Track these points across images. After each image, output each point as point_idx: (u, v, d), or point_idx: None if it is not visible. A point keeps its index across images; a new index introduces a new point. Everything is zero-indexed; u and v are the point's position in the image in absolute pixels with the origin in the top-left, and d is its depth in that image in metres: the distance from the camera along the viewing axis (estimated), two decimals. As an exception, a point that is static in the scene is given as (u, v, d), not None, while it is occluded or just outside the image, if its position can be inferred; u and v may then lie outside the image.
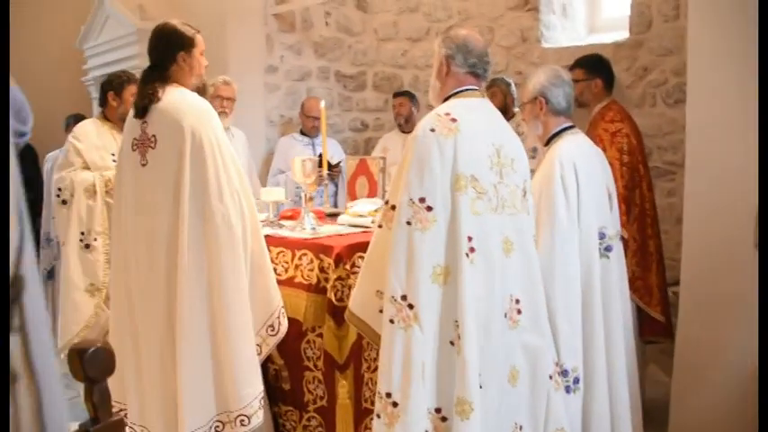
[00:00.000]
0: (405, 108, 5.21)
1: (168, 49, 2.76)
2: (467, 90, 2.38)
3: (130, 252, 2.74)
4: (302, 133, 5.22)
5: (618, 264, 2.85)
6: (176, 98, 2.70)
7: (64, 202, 3.66)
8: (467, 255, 2.14)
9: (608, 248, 2.76)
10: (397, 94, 5.40)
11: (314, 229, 3.22)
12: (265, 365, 3.13)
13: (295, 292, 2.95)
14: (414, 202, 2.17)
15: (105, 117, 3.88)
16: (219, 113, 4.22)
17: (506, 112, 4.91)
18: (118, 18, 5.51)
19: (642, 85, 4.83)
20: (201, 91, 2.91)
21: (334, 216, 3.83)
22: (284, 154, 5.00)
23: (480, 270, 2.17)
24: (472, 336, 2.10)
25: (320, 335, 2.86)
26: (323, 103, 3.96)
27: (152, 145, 2.69)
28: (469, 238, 2.16)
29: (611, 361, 2.69)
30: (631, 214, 3.51)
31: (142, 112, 2.70)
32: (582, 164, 2.68)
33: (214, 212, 2.59)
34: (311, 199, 3.59)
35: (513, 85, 4.94)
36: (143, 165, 2.71)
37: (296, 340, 3.00)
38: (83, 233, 3.60)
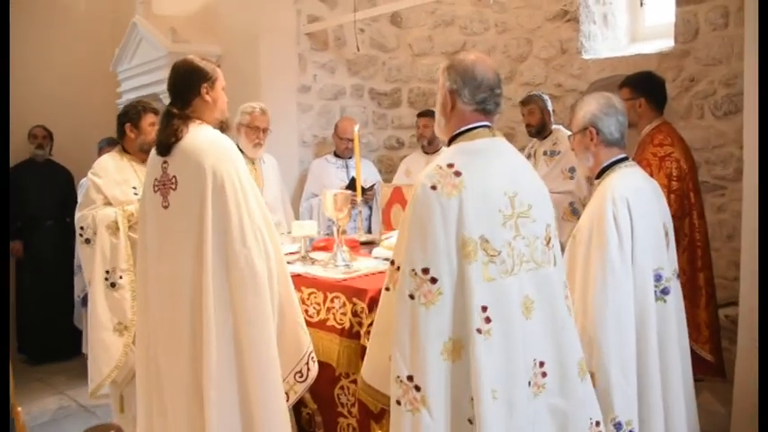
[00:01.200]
0: (428, 130, 4.99)
1: (191, 83, 2.67)
2: (474, 129, 2.14)
3: (153, 297, 2.67)
4: (336, 155, 5.11)
5: (676, 307, 2.64)
6: (197, 137, 2.60)
7: (87, 240, 3.57)
8: (479, 330, 1.93)
9: (665, 291, 2.56)
10: (421, 115, 5.18)
11: (347, 265, 3.11)
12: (299, 409, 3.04)
13: (328, 336, 2.84)
14: (416, 274, 1.96)
15: (124, 149, 3.79)
16: (254, 146, 4.21)
17: (544, 129, 4.75)
18: (150, 41, 5.47)
19: (688, 96, 4.65)
20: (224, 127, 2.80)
21: (368, 244, 3.72)
22: (318, 177, 4.91)
23: (497, 341, 1.96)
24: (490, 412, 1.91)
25: (354, 381, 2.74)
26: (357, 127, 3.84)
27: (173, 186, 2.60)
28: (484, 308, 1.95)
29: (668, 414, 2.50)
30: (680, 246, 3.25)
31: (165, 150, 2.62)
32: (636, 200, 2.49)
33: (238, 257, 2.50)
34: (344, 232, 3.48)
35: (548, 100, 4.76)
36: (165, 207, 2.62)
37: (330, 385, 2.89)
38: (107, 272, 3.51)
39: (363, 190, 4.16)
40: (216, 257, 2.50)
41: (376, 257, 3.32)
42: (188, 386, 2.56)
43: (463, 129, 2.14)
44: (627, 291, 2.42)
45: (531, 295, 2.05)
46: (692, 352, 3.15)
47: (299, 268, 3.13)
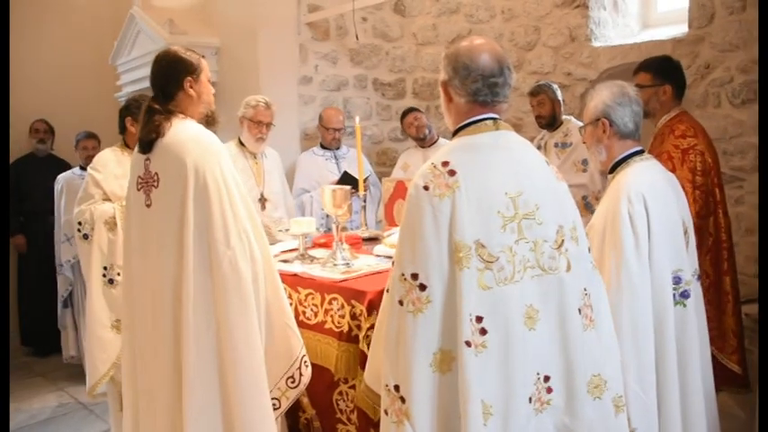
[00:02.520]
0: (412, 128, 4.87)
1: (173, 76, 2.54)
2: (477, 122, 1.97)
3: (137, 298, 2.57)
4: (323, 147, 4.95)
5: (696, 311, 2.47)
6: (180, 132, 2.48)
7: (85, 236, 3.53)
8: (467, 343, 1.78)
9: (684, 294, 2.40)
10: (404, 114, 5.03)
11: (347, 264, 2.97)
12: (296, 414, 2.92)
13: (325, 339, 2.71)
14: (406, 279, 1.83)
15: (126, 144, 3.72)
16: (257, 140, 4.09)
17: (555, 121, 4.59)
18: (148, 33, 5.35)
19: (704, 84, 4.48)
20: (210, 121, 2.67)
21: (372, 241, 3.58)
22: (306, 171, 4.76)
23: (494, 354, 1.82)
24: (477, 430, 1.77)
25: (353, 386, 2.61)
26: (357, 119, 3.70)
27: (155, 184, 2.49)
28: (478, 319, 1.81)
29: (687, 426, 2.35)
30: (704, 246, 3.04)
31: (147, 147, 2.51)
32: (653, 197, 2.33)
33: (221, 258, 2.37)
34: (344, 229, 3.35)
35: (558, 90, 4.59)
36: (147, 206, 2.51)
37: (328, 390, 2.76)
38: (105, 268, 3.46)
39: (354, 181, 4.01)
40: (198, 259, 2.39)
41: (378, 255, 3.18)
42: (171, 389, 2.45)
43: (465, 122, 1.99)
44: (644, 295, 2.27)
45: (535, 305, 1.89)
46: (717, 362, 2.95)
47: (297, 267, 2.99)
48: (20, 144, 5.76)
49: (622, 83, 2.49)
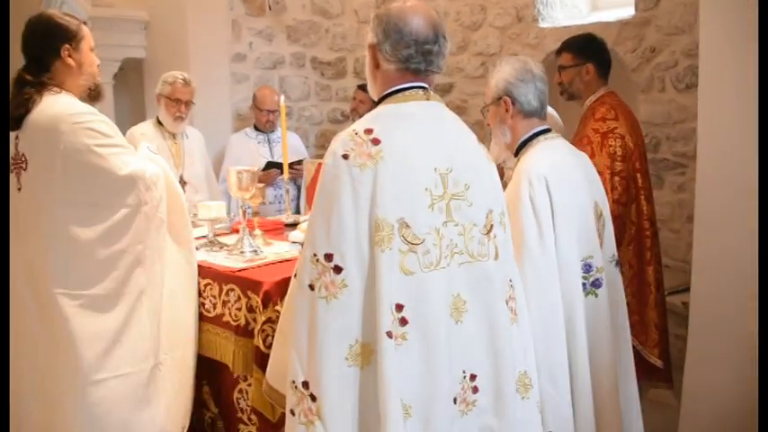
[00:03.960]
0: (364, 106, 4.59)
1: (49, 43, 2.31)
2: (404, 90, 1.77)
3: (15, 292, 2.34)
4: (256, 129, 4.68)
5: (611, 301, 2.29)
6: (51, 107, 2.25)
7: None
8: (389, 335, 1.60)
9: (596, 283, 2.22)
10: (361, 87, 4.78)
11: (254, 251, 2.75)
12: (201, 413, 2.71)
13: (223, 333, 2.51)
14: (318, 260, 1.62)
15: None
16: (175, 119, 3.83)
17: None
18: (70, 5, 5.00)
19: (649, 68, 4.36)
20: (95, 95, 2.44)
21: (294, 226, 3.37)
22: (236, 154, 4.48)
23: (415, 348, 1.63)
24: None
25: (251, 384, 2.41)
26: (282, 98, 3.47)
27: (23, 166, 2.26)
28: (399, 307, 1.61)
29: (600, 425, 2.18)
30: (626, 235, 2.91)
31: (15, 124, 2.27)
32: (557, 178, 2.15)
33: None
34: (256, 214, 3.13)
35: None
36: (18, 189, 2.29)
37: (229, 388, 2.57)
38: None
39: (290, 165, 3.79)
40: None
41: (293, 242, 2.97)
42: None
43: (391, 90, 1.78)
44: (551, 285, 2.08)
45: (463, 294, 1.72)
46: (639, 355, 2.84)
47: (200, 256, 2.76)
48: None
49: (525, 58, 2.31)
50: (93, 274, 2.25)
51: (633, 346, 2.52)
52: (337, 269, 1.60)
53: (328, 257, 1.61)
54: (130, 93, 5.33)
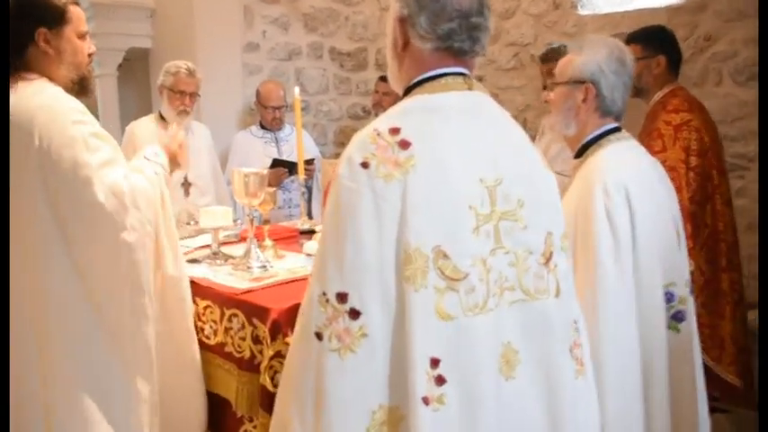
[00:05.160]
0: (388, 99, 4.27)
1: (23, 25, 1.95)
2: (439, 77, 1.39)
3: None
4: (262, 127, 4.31)
5: (692, 339, 1.90)
6: (25, 95, 1.90)
7: None
8: (425, 401, 1.22)
9: (678, 316, 1.81)
10: (383, 78, 4.43)
11: (264, 267, 2.38)
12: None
13: (225, 365, 2.14)
14: (328, 300, 1.25)
15: None
16: (179, 113, 3.47)
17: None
18: (72, -9, 4.69)
19: (704, 58, 3.99)
20: (82, 88, 2.08)
21: (310, 234, 2.99)
22: (241, 154, 4.12)
23: (456, 413, 1.26)
24: None
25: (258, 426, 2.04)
26: (297, 91, 3.09)
27: None
28: (435, 362, 1.24)
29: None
30: (699, 238, 2.65)
31: None
32: (639, 190, 1.77)
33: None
34: (267, 222, 2.75)
35: None
36: None
37: (233, 427, 2.18)
38: None
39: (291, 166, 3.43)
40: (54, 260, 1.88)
41: (309, 255, 2.58)
42: None
43: (424, 76, 1.39)
44: (629, 320, 1.70)
45: (514, 343, 1.34)
46: (712, 374, 2.54)
47: (201, 270, 2.39)
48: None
49: (623, 46, 1.92)
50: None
51: (706, 366, 2.22)
52: (354, 313, 1.23)
53: (341, 298, 1.23)
54: (136, 85, 5.01)
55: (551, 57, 3.92)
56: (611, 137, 1.87)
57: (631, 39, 2.92)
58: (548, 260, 1.40)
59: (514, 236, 1.35)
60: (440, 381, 1.23)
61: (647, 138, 2.64)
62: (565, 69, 1.92)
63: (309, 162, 3.84)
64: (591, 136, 1.88)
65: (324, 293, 1.25)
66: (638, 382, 1.71)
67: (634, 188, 1.76)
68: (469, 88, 1.40)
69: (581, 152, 1.91)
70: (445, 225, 1.26)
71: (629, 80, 1.89)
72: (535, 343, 1.37)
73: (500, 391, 1.30)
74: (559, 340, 1.40)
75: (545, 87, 3.95)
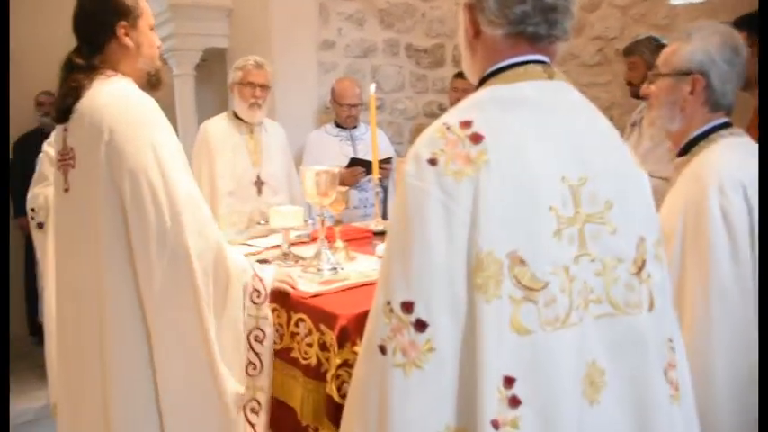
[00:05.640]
0: (466, 95, 4.09)
1: (101, 19, 1.96)
2: (516, 66, 1.26)
3: (62, 309, 2.06)
4: (337, 125, 4.24)
5: None
6: (101, 94, 1.90)
7: (40, 225, 3.13)
8: (494, 425, 1.09)
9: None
10: (458, 75, 4.32)
11: (334, 269, 2.29)
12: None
13: (291, 372, 2.06)
14: (392, 309, 1.13)
15: None
16: (251, 106, 3.44)
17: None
18: (151, -9, 4.76)
19: None
20: (154, 82, 2.07)
21: (384, 235, 2.89)
22: (315, 154, 4.06)
23: None
24: None
25: (325, 437, 1.95)
26: (373, 88, 3.00)
27: (71, 163, 1.94)
28: (509, 381, 1.11)
29: None
30: None
31: (63, 115, 1.95)
32: (756, 189, 1.60)
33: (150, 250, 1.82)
34: (338, 222, 2.66)
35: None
36: (65, 191, 1.97)
37: (297, 436, 2.11)
38: None
39: (369, 165, 3.33)
40: (117, 258, 1.85)
41: (380, 257, 2.48)
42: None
43: (497, 66, 1.27)
44: (748, 334, 1.51)
45: (600, 362, 1.20)
46: None
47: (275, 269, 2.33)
48: (26, 119, 5.28)
49: (736, 33, 1.75)
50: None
51: None
52: (420, 325, 1.11)
53: (407, 307, 1.11)
54: (213, 85, 5.05)
55: (635, 49, 3.70)
56: (723, 132, 1.69)
57: (738, 24, 2.61)
58: (640, 269, 1.24)
59: (602, 241, 1.21)
60: (514, 402, 1.10)
61: (755, 134, 2.40)
62: (670, 59, 1.75)
63: (386, 161, 3.75)
64: (698, 131, 1.71)
65: (388, 302, 1.14)
66: (754, 394, 1.53)
67: (752, 188, 1.59)
68: (550, 77, 1.26)
69: (686, 149, 1.73)
70: (522, 228, 1.13)
71: (743, 71, 1.71)
72: (624, 363, 1.22)
73: (583, 416, 1.16)
74: (652, 361, 1.24)
75: (629, 83, 3.72)
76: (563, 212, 1.16)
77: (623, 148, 1.32)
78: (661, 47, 3.62)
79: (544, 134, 1.19)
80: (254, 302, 2.01)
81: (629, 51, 3.73)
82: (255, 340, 2.01)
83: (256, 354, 2.01)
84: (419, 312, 1.11)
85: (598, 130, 1.29)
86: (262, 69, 3.48)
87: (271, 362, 2.03)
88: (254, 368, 2.02)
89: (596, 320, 1.19)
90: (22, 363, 4.74)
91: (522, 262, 1.12)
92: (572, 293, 1.16)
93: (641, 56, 3.65)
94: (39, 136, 5.30)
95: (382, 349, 1.14)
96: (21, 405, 4.10)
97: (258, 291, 2.02)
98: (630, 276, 1.23)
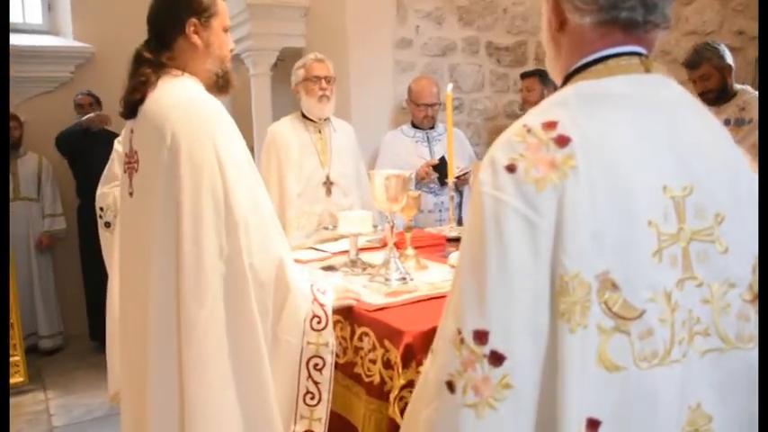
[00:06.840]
0: (533, 94, 4.12)
1: (172, 14, 1.90)
2: (607, 59, 1.09)
3: (125, 310, 2.01)
4: (414, 126, 4.11)
5: None
6: (167, 94, 1.84)
7: (107, 224, 3.12)
8: None
9: None
10: (525, 75, 4.31)
11: (403, 278, 2.17)
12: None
13: (354, 388, 1.94)
14: (463, 340, 0.98)
15: None
16: (320, 99, 3.39)
17: (725, 93, 3.50)
18: (229, -9, 4.76)
19: None
20: (223, 84, 1.99)
21: (458, 242, 2.75)
22: (390, 155, 3.95)
23: None
24: None
25: (388, 459, 1.82)
26: (450, 87, 2.85)
27: (135, 166, 1.89)
28: (593, 425, 0.96)
29: None
30: None
31: (129, 111, 1.91)
32: None
33: (185, 258, 1.73)
34: (410, 229, 2.53)
35: (726, 52, 3.46)
36: (130, 194, 1.93)
37: (361, 457, 1.99)
38: None
39: (457, 177, 3.20)
40: (162, 258, 1.78)
41: (453, 266, 2.34)
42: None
43: (586, 60, 1.11)
44: None
45: (706, 406, 1.04)
46: None
47: (334, 280, 2.22)
48: (70, 121, 5.26)
49: None
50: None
51: None
52: (496, 358, 0.96)
53: (480, 337, 0.97)
54: (290, 85, 4.99)
55: (695, 62, 3.47)
56: None
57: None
58: (756, 297, 1.06)
59: (711, 262, 1.04)
60: None
61: None
62: None
63: (464, 174, 3.61)
64: None
65: (459, 331, 0.99)
66: None
67: None
68: (647, 70, 1.08)
69: None
70: (615, 246, 0.97)
71: None
72: (735, 408, 1.04)
73: None
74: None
75: (701, 93, 3.46)
76: (664, 228, 1.00)
77: (735, 151, 1.13)
78: (721, 54, 3.37)
79: (641, 136, 1.03)
80: (313, 329, 1.88)
81: (695, 64, 3.49)
82: (315, 368, 1.88)
83: (315, 383, 1.88)
84: (495, 343, 0.96)
85: (706, 131, 1.11)
86: (323, 62, 3.46)
87: (330, 393, 1.90)
88: (312, 398, 1.88)
89: (703, 357, 1.02)
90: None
91: (615, 286, 0.97)
92: (674, 324, 0.99)
93: (709, 62, 3.43)
94: (88, 136, 5.12)
95: (450, 386, 0.99)
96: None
97: (319, 317, 1.89)
98: (744, 304, 1.06)
